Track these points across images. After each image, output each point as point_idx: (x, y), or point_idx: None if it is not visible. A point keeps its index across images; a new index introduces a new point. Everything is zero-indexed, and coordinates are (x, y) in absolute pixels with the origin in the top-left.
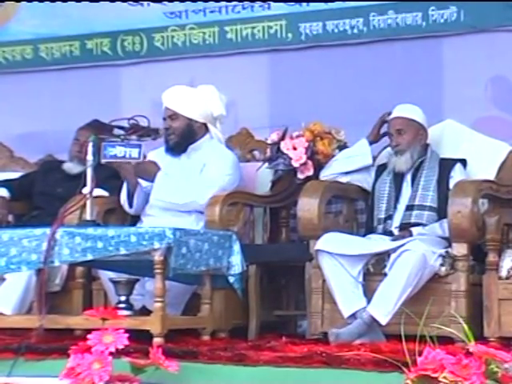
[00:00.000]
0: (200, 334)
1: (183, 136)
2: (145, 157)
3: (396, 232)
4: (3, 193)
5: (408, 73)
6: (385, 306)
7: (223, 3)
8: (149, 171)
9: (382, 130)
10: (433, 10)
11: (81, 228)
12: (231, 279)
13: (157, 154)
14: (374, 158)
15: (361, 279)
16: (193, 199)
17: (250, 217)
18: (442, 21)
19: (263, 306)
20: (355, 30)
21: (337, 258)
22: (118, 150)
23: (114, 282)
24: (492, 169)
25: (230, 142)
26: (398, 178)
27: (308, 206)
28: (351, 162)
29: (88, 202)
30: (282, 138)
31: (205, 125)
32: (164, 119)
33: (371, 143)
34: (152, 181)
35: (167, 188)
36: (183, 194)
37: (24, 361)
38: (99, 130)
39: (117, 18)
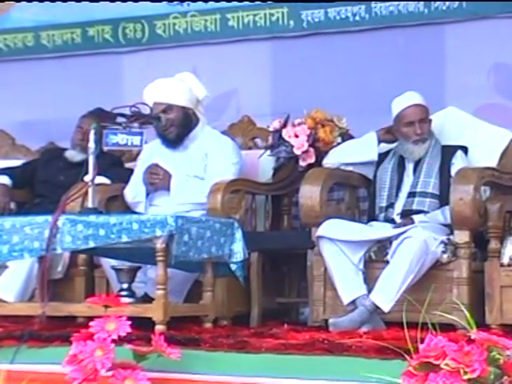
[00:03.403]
0: (202, 321)
1: (182, 126)
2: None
3: (398, 219)
4: (5, 180)
5: (410, 60)
6: (387, 294)
7: None
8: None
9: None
10: None
11: (83, 215)
12: (233, 267)
13: (152, 146)
14: None
15: (361, 266)
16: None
17: (251, 204)
18: (444, 8)
19: (265, 293)
20: (357, 17)
21: (338, 244)
22: (120, 138)
23: (116, 270)
24: (494, 156)
25: (232, 130)
26: (400, 166)
27: (310, 194)
28: (356, 154)
29: (90, 190)
30: (284, 125)
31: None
32: (155, 117)
33: (381, 141)
34: (168, 189)
35: (184, 189)
36: (202, 192)
37: (27, 348)
38: (102, 117)
39: (118, 5)
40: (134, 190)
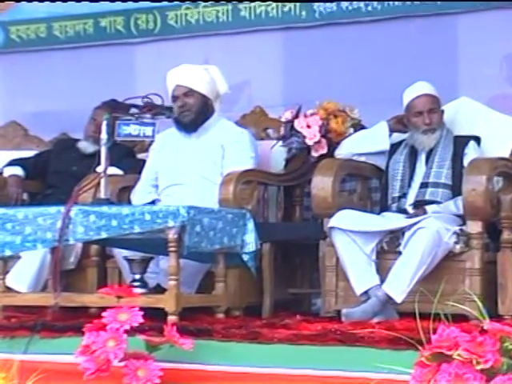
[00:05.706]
0: (214, 312)
1: (199, 113)
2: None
3: (410, 209)
4: (18, 171)
5: (423, 50)
6: (400, 284)
7: None
8: None
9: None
10: None
11: (95, 206)
12: (245, 257)
13: (164, 136)
14: None
15: (374, 257)
16: None
17: (263, 195)
18: None
19: (277, 284)
20: (369, 8)
21: (350, 235)
22: (132, 129)
23: (129, 260)
24: (507, 146)
25: (244, 121)
26: (412, 156)
27: (322, 185)
28: (368, 144)
29: (102, 181)
30: (296, 116)
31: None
32: (174, 98)
33: (392, 130)
34: None
35: (199, 185)
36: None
37: (39, 338)
38: (116, 109)
39: None
40: (139, 197)
